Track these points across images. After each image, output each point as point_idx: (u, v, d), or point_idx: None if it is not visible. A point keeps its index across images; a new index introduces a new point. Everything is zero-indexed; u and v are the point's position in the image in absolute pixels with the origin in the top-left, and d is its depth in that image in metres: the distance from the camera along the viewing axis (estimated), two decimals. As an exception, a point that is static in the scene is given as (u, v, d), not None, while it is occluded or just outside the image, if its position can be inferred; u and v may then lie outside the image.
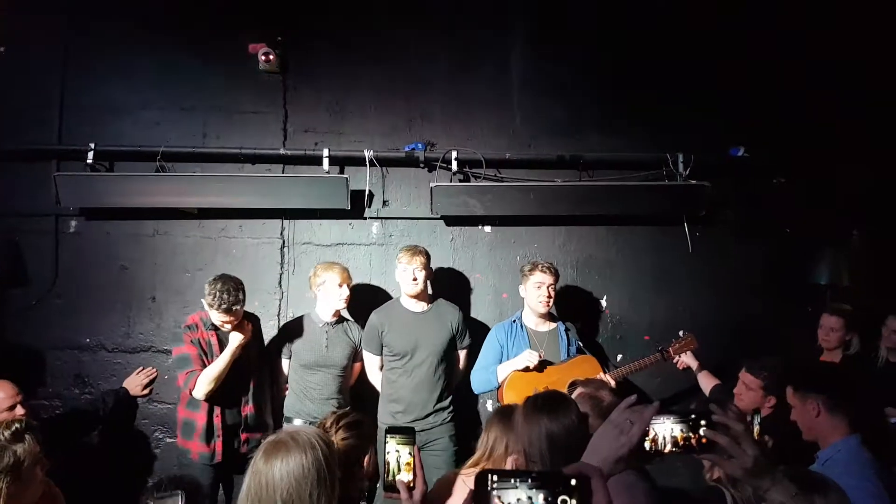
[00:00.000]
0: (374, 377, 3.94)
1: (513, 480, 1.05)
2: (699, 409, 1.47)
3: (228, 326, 3.48)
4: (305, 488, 1.69)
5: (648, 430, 1.35)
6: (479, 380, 3.81)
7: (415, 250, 3.78)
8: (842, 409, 2.44)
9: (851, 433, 2.41)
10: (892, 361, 3.80)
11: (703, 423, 1.40)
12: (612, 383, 3.61)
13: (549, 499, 1.03)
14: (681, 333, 3.96)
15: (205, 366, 3.49)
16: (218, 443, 3.49)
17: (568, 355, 3.83)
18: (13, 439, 2.26)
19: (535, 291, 3.79)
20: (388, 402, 3.82)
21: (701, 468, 2.66)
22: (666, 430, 1.36)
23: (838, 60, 4.41)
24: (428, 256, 3.82)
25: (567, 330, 3.90)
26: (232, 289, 3.36)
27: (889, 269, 4.39)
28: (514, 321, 3.89)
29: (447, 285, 4.22)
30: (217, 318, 3.43)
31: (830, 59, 4.42)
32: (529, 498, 1.03)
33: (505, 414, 2.50)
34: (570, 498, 1.03)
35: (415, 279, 3.75)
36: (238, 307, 3.40)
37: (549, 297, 3.79)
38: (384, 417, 3.82)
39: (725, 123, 4.40)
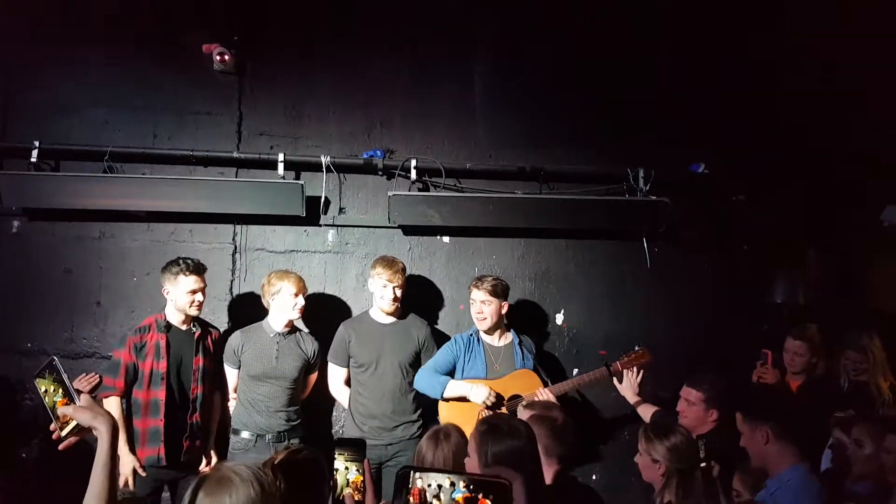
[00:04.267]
0: (339, 390, 3.90)
1: (438, 474, 1.08)
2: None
3: (196, 308, 3.54)
4: None
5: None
6: (425, 382, 3.74)
7: (395, 267, 3.74)
8: (790, 438, 2.45)
9: (800, 461, 2.43)
10: (855, 380, 3.79)
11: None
12: (553, 398, 3.57)
13: (471, 487, 1.05)
14: (636, 347, 3.83)
15: (134, 378, 3.47)
16: (161, 447, 3.42)
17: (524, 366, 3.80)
18: None
19: (471, 308, 3.83)
20: (355, 414, 3.80)
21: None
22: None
23: (798, 82, 4.44)
24: (405, 271, 3.81)
25: (520, 343, 3.87)
26: (190, 258, 3.59)
27: (844, 289, 4.44)
28: (472, 335, 3.86)
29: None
30: (189, 284, 3.48)
31: (794, 80, 4.44)
32: (452, 483, 1.06)
33: (437, 436, 2.47)
34: (491, 496, 1.04)
35: (395, 298, 3.75)
36: (203, 269, 3.57)
37: (480, 313, 3.77)
38: (351, 430, 3.80)
39: (687, 139, 4.40)
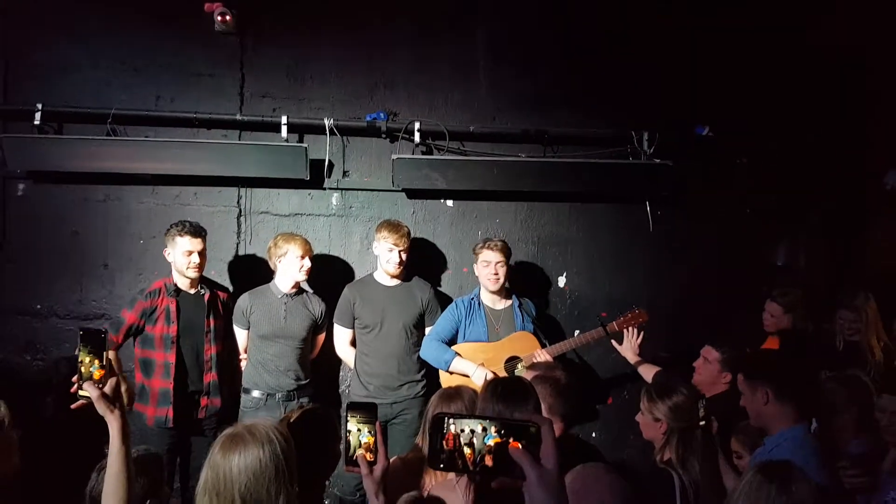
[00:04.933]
0: (344, 351, 3.96)
1: (469, 419, 1.10)
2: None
3: (193, 269, 3.57)
4: (263, 483, 1.71)
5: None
6: (431, 354, 3.79)
7: (400, 231, 3.75)
8: (790, 398, 2.48)
9: (799, 422, 2.46)
10: (849, 340, 3.82)
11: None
12: (549, 359, 3.64)
13: (502, 432, 1.06)
14: (633, 307, 3.84)
15: (126, 337, 3.55)
16: (170, 409, 3.51)
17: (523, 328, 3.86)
18: None
19: (484, 270, 3.80)
20: (359, 375, 3.87)
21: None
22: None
23: (804, 41, 4.39)
24: (410, 235, 3.82)
25: (520, 306, 3.91)
26: (192, 221, 3.61)
27: (845, 251, 4.47)
28: (473, 298, 3.90)
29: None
30: (184, 245, 3.52)
31: (799, 39, 4.38)
32: (484, 429, 1.07)
33: (449, 396, 2.52)
34: (522, 440, 1.05)
35: (400, 262, 3.78)
36: (203, 233, 3.60)
37: (496, 274, 3.77)
38: (357, 389, 3.88)
39: (691, 102, 4.36)
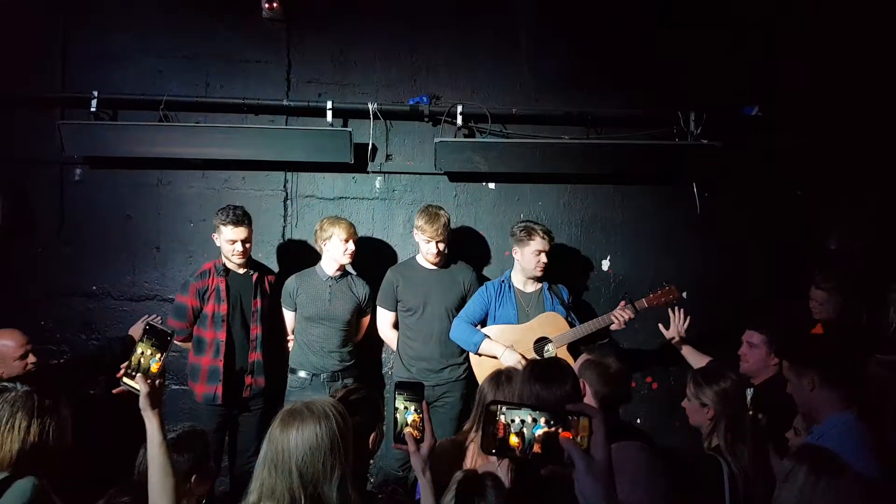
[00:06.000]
0: (387, 333, 4.00)
1: (521, 409, 1.13)
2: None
3: (238, 256, 3.65)
4: (319, 457, 1.75)
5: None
6: (462, 336, 3.76)
7: (436, 223, 3.71)
8: (837, 384, 2.42)
9: (847, 408, 2.40)
10: None
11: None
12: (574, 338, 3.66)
13: (552, 422, 1.10)
14: (664, 284, 3.80)
15: (196, 318, 3.67)
16: (219, 386, 3.60)
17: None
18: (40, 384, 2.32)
19: (534, 258, 3.73)
20: (402, 357, 3.90)
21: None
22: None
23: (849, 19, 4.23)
24: (448, 224, 3.79)
25: (549, 289, 3.87)
26: (239, 207, 3.67)
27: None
28: (503, 281, 3.87)
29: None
30: (229, 235, 3.59)
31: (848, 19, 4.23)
32: (534, 419, 1.10)
33: (498, 378, 2.52)
34: (573, 429, 1.09)
35: (437, 253, 3.79)
36: (246, 223, 3.64)
37: (545, 262, 3.74)
38: (400, 371, 3.91)
39: (739, 81, 4.27)
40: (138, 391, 1.94)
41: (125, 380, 1.97)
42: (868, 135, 4.28)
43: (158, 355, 2.00)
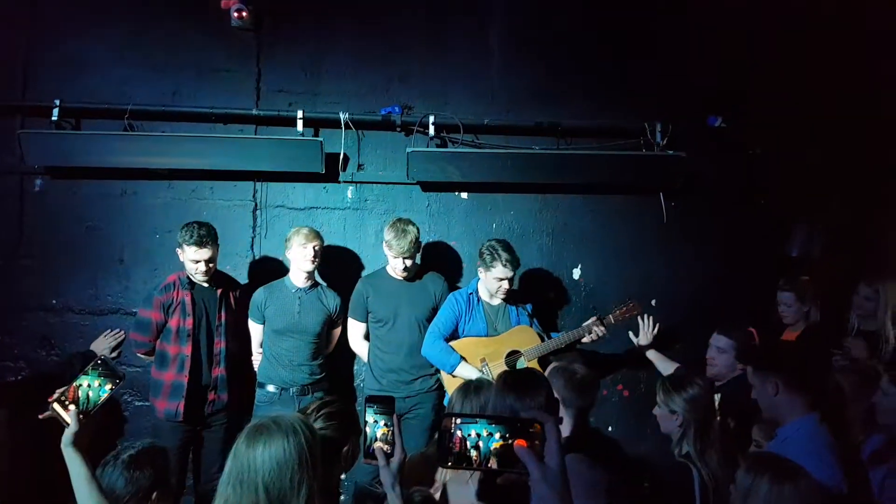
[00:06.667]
0: (357, 345, 3.95)
1: (476, 421, 1.14)
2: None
3: (201, 275, 3.55)
4: (287, 473, 1.72)
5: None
6: (436, 356, 3.72)
7: (403, 239, 3.63)
8: (800, 388, 2.46)
9: (810, 412, 2.44)
10: (864, 330, 3.80)
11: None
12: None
13: (506, 435, 1.10)
14: (628, 300, 3.87)
15: (159, 333, 3.59)
16: (181, 402, 3.51)
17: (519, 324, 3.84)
18: None
19: (495, 284, 3.71)
20: (373, 369, 3.86)
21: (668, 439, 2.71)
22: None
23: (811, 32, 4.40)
24: (417, 239, 3.72)
25: (514, 302, 3.87)
26: (203, 225, 3.53)
27: (862, 240, 4.44)
28: (472, 293, 3.84)
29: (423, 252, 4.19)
30: (191, 255, 3.49)
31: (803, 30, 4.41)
32: (489, 433, 1.11)
33: (467, 389, 2.52)
34: (526, 439, 1.09)
35: (405, 269, 3.74)
36: (210, 243, 3.53)
37: (507, 289, 3.73)
38: (371, 383, 3.87)
39: (703, 92, 4.38)
40: (67, 423, 1.84)
41: (56, 406, 1.85)
42: (830, 143, 4.43)
43: (102, 395, 1.89)
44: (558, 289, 4.40)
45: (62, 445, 1.82)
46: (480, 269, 3.77)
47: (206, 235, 3.51)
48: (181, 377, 3.54)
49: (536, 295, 4.12)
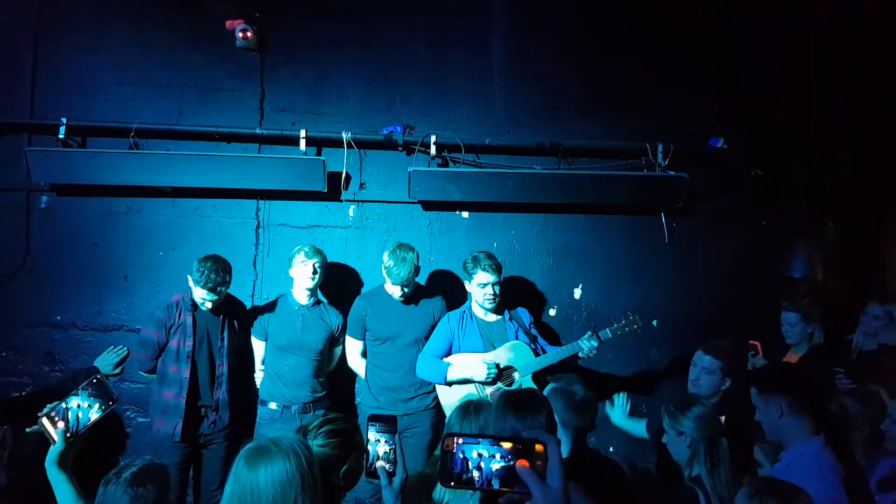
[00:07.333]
0: (355, 362, 3.95)
1: (479, 441, 1.14)
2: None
3: (208, 305, 3.53)
4: (290, 494, 1.72)
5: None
6: (427, 371, 3.72)
7: (402, 268, 3.61)
8: (805, 411, 2.46)
9: (814, 434, 2.44)
10: (866, 350, 3.80)
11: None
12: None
13: (508, 455, 1.11)
14: (629, 315, 3.79)
15: (161, 351, 3.58)
16: (179, 424, 3.51)
17: (517, 340, 3.80)
18: None
19: (480, 291, 3.70)
20: (371, 386, 3.86)
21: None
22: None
23: (816, 56, 4.42)
24: (416, 265, 3.71)
25: (510, 318, 3.84)
26: (220, 269, 3.46)
27: (863, 261, 4.43)
28: (465, 311, 3.83)
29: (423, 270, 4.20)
30: (200, 294, 3.47)
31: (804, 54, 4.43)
32: (491, 455, 1.11)
33: (466, 409, 2.52)
34: (528, 460, 1.09)
35: (403, 295, 3.74)
36: (223, 289, 3.50)
37: (495, 295, 3.69)
38: (368, 401, 3.87)
39: (706, 114, 4.39)
40: (53, 440, 1.83)
41: (44, 421, 1.83)
42: (830, 165, 4.43)
43: (94, 416, 1.88)
44: (559, 308, 4.39)
45: (46, 464, 1.79)
46: (466, 283, 3.78)
47: (221, 283, 3.46)
48: (180, 399, 3.54)
49: (537, 314, 4.11)
